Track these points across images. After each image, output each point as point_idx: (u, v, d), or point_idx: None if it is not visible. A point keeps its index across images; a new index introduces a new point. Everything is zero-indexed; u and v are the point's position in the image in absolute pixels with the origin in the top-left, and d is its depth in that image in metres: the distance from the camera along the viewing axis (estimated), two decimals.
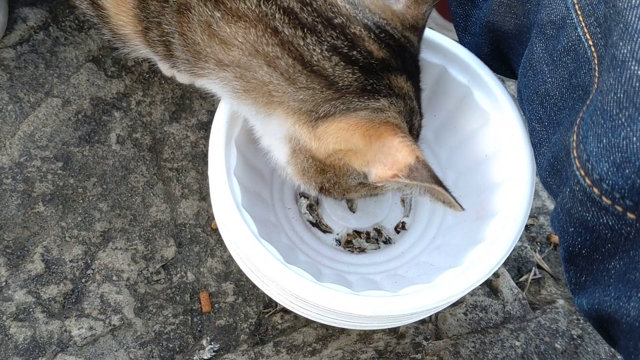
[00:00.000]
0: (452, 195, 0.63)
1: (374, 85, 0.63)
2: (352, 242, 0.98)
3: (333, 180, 0.71)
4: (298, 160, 0.70)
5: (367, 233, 0.99)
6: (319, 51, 0.62)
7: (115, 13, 0.72)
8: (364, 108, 0.63)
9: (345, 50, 0.62)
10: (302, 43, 0.61)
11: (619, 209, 0.46)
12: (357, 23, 0.64)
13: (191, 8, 0.64)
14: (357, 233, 0.99)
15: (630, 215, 0.46)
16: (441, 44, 0.84)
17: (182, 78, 1.03)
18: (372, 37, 0.64)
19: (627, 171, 0.44)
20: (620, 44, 0.47)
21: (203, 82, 0.71)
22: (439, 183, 0.62)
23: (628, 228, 0.47)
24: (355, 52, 0.62)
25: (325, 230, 0.98)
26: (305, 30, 0.61)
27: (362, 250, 0.98)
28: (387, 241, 0.99)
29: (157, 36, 0.70)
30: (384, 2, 0.69)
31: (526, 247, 1.11)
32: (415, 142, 0.68)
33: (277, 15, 0.61)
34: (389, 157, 0.63)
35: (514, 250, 1.09)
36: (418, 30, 0.71)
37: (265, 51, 0.62)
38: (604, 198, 0.47)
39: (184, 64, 0.70)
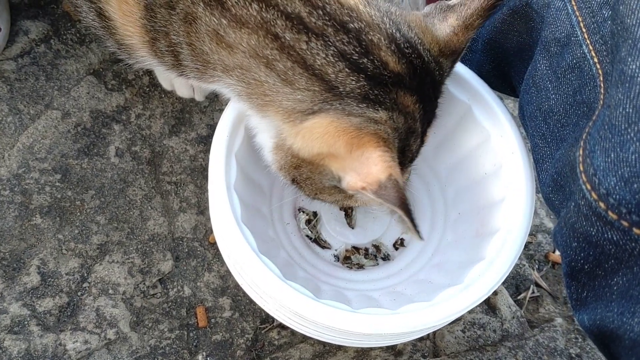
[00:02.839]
0: (413, 223, 0.62)
1: (378, 96, 0.62)
2: (351, 258, 0.98)
3: (306, 175, 0.70)
4: (278, 156, 0.70)
5: (366, 249, 0.99)
6: (323, 56, 0.61)
7: (121, 24, 0.72)
8: (359, 115, 0.62)
9: (354, 57, 0.61)
10: (304, 47, 0.61)
11: (625, 224, 0.46)
12: (377, 31, 0.63)
13: (198, 18, 0.64)
14: (356, 249, 0.99)
15: (636, 231, 0.46)
16: None
17: (183, 92, 1.03)
18: (393, 49, 0.63)
19: (635, 186, 0.44)
20: (629, 59, 0.47)
21: (214, 87, 0.71)
22: (404, 208, 0.61)
23: (633, 244, 0.47)
24: (365, 60, 0.62)
25: (324, 246, 0.98)
26: (310, 34, 0.61)
27: (360, 266, 0.98)
28: (386, 258, 0.99)
29: (165, 46, 0.70)
30: (428, 25, 0.68)
31: (524, 265, 1.11)
32: (404, 163, 0.68)
33: (278, 22, 0.61)
34: (364, 167, 0.62)
35: (512, 268, 1.09)
36: (457, 55, 0.70)
37: (264, 54, 0.62)
38: (610, 213, 0.47)
39: (193, 72, 0.70)
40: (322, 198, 0.74)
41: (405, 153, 0.68)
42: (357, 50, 0.62)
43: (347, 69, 0.61)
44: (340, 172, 0.65)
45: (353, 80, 0.61)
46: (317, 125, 0.63)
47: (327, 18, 0.62)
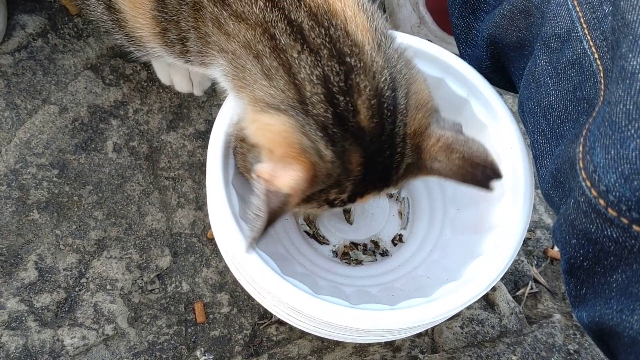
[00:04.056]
0: (252, 238, 0.61)
1: (335, 136, 0.60)
2: (349, 254, 0.98)
3: (242, 151, 0.72)
4: (236, 128, 0.71)
5: (364, 245, 0.99)
6: (309, 72, 0.60)
7: (132, 16, 0.72)
8: (312, 140, 0.61)
9: (334, 90, 0.60)
10: (295, 56, 0.61)
11: (625, 221, 0.46)
12: (370, 79, 0.61)
13: (203, 7, 0.66)
14: (354, 245, 0.99)
15: (636, 228, 0.46)
16: (439, 56, 0.84)
17: (182, 86, 1.03)
18: (373, 104, 0.61)
19: (635, 183, 0.44)
20: (630, 55, 0.47)
21: (211, 72, 0.72)
22: (267, 221, 0.60)
23: (632, 241, 0.47)
24: (341, 98, 0.60)
25: (322, 241, 0.98)
26: (305, 47, 0.61)
27: (358, 262, 0.97)
28: (384, 253, 0.98)
29: (175, 36, 0.70)
30: (431, 112, 0.66)
31: (523, 261, 1.11)
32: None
33: (279, 24, 0.61)
34: (282, 170, 0.61)
35: (510, 264, 1.08)
36: (419, 159, 0.67)
37: (257, 48, 0.63)
38: (609, 210, 0.47)
39: (196, 56, 0.71)
40: (246, 175, 0.75)
41: (322, 196, 0.67)
42: (340, 85, 0.60)
43: (322, 96, 0.60)
44: (263, 157, 0.65)
45: (322, 108, 0.60)
46: (271, 127, 0.62)
47: (327, 39, 0.61)
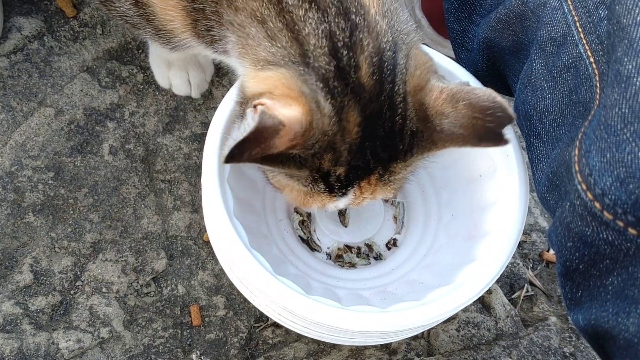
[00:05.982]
0: (229, 148, 0.55)
1: (335, 89, 0.60)
2: (343, 257, 0.98)
3: (240, 112, 0.67)
4: (238, 94, 0.68)
5: (358, 248, 0.99)
6: (314, 27, 0.60)
7: (161, 8, 0.71)
8: (312, 90, 0.59)
9: (339, 43, 0.60)
10: (301, 14, 0.61)
11: (620, 224, 0.46)
12: (372, 38, 0.61)
13: None
14: (348, 248, 0.99)
15: (632, 231, 0.46)
16: (436, 61, 0.84)
17: (180, 89, 1.03)
18: (375, 61, 0.60)
19: (630, 186, 0.44)
20: (625, 59, 0.47)
21: (229, 60, 0.72)
22: (250, 135, 0.53)
23: (628, 244, 0.47)
24: (345, 52, 0.60)
25: (314, 249, 0.98)
26: (313, 5, 0.61)
27: (352, 265, 0.97)
28: (378, 257, 0.98)
29: (204, 26, 0.70)
30: (430, 73, 0.65)
31: (519, 264, 1.11)
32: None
33: None
34: (281, 106, 0.57)
35: (506, 267, 1.08)
36: (428, 114, 0.63)
37: (262, 14, 0.63)
38: (605, 213, 0.47)
39: (219, 41, 0.70)
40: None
41: (312, 151, 0.62)
42: (344, 40, 0.60)
43: (326, 49, 0.60)
44: (257, 96, 0.62)
45: (325, 60, 0.60)
46: (270, 78, 0.61)
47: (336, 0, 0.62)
